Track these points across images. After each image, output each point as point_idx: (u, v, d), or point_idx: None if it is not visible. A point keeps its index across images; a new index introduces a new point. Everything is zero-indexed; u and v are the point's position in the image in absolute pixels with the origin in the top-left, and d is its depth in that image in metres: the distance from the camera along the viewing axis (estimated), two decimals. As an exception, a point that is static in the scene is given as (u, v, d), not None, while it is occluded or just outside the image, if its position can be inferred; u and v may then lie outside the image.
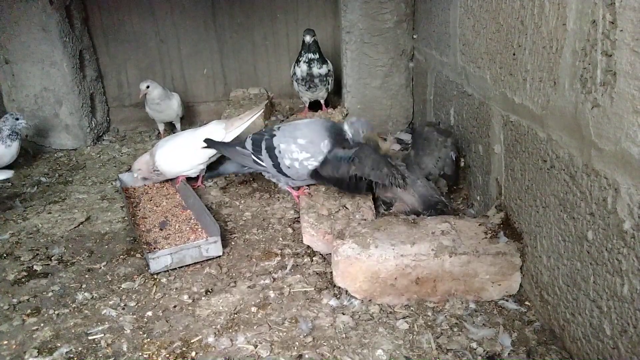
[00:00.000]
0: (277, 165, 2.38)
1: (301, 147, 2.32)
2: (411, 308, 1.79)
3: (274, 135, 2.40)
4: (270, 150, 2.38)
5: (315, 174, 2.07)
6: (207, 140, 2.60)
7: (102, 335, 1.74)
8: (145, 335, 1.73)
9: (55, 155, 3.61)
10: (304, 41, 3.31)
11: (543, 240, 1.63)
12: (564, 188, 1.48)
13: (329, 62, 3.43)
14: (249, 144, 2.46)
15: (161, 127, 3.72)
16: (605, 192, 1.27)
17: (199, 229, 2.36)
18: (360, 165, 2.08)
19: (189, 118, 4.10)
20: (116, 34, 3.94)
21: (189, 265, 2.12)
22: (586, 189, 1.36)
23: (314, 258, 2.13)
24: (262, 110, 2.88)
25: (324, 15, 3.95)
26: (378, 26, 3.28)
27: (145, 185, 2.93)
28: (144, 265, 2.14)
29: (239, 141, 2.57)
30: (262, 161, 2.41)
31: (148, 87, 3.37)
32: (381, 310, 1.79)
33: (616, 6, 1.16)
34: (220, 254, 2.17)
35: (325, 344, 1.64)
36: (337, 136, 2.33)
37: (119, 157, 3.56)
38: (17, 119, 3.04)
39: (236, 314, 1.81)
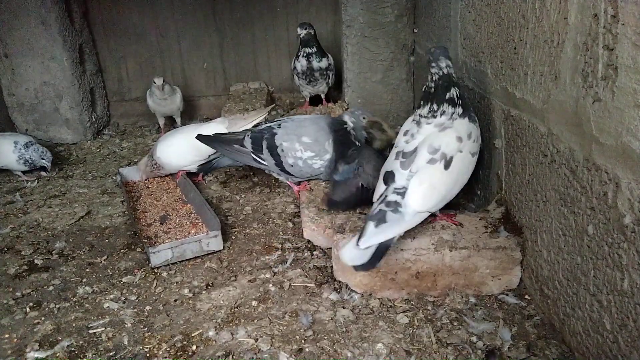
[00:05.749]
0: (279, 164, 2.36)
1: (306, 145, 2.31)
2: (411, 302, 1.80)
3: (275, 133, 2.36)
4: (272, 149, 2.34)
5: (333, 203, 2.03)
6: (199, 137, 2.51)
7: (103, 329, 1.74)
8: (146, 329, 1.74)
9: (56, 149, 3.60)
10: (298, 35, 3.31)
11: (543, 234, 1.63)
12: (564, 182, 1.48)
13: (329, 55, 3.42)
14: (247, 142, 2.40)
15: (161, 122, 3.71)
16: (606, 187, 1.27)
17: (200, 223, 2.36)
18: (364, 175, 2.05)
19: (189, 112, 4.09)
20: (116, 28, 3.92)
21: (190, 259, 2.13)
22: (587, 184, 1.35)
23: (314, 252, 2.14)
24: (267, 114, 2.84)
25: (325, 9, 3.94)
26: (379, 20, 3.27)
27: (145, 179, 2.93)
28: (145, 260, 2.14)
29: (235, 138, 2.48)
30: (264, 160, 2.38)
31: (164, 81, 3.42)
32: (381, 304, 1.79)
33: (618, 0, 1.16)
34: (221, 248, 2.17)
35: (325, 337, 1.64)
36: (338, 131, 2.32)
37: (119, 151, 3.56)
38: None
39: (237, 307, 1.82)
